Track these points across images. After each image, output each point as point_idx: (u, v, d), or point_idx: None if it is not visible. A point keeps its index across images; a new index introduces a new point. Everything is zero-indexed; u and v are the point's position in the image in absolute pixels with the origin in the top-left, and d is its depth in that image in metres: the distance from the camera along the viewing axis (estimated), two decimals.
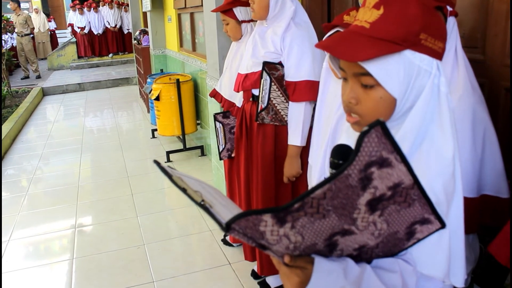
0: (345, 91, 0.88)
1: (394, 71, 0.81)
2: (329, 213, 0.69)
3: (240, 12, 2.41)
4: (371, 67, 0.80)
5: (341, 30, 1.60)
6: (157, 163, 0.76)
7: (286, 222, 0.67)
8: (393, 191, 0.70)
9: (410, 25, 0.81)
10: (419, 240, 0.80)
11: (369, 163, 0.66)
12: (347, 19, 1.61)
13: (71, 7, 12.87)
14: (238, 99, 2.48)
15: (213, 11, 2.60)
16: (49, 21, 15.66)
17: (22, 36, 10.81)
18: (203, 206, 0.66)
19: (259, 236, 0.67)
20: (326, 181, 0.66)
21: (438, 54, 0.84)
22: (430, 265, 0.83)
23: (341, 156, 0.85)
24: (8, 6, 10.94)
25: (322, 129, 1.72)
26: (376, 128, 0.65)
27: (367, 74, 0.82)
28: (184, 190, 0.69)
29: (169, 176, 0.71)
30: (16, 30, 10.86)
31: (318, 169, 1.65)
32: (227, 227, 0.64)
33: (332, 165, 0.86)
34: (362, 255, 0.79)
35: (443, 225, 0.78)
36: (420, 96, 0.83)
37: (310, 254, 0.75)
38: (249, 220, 0.64)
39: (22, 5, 11.29)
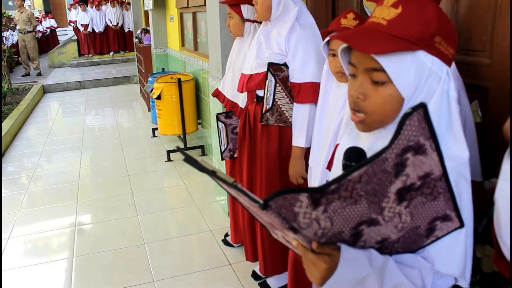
0: (353, 87, 0.88)
1: (407, 69, 0.82)
2: (361, 199, 0.70)
3: (247, 10, 2.41)
4: (385, 62, 0.81)
5: None
6: (179, 149, 0.75)
7: (320, 205, 0.67)
8: (423, 181, 0.72)
9: (426, 26, 0.82)
10: (437, 239, 0.82)
11: (407, 147, 0.67)
12: (345, 22, 1.60)
13: (71, 5, 12.86)
14: (241, 99, 2.47)
15: (221, 2, 2.60)
16: (48, 18, 15.65)
17: (24, 33, 10.80)
18: (236, 187, 0.65)
19: (292, 218, 0.68)
20: (364, 163, 0.66)
21: (448, 60, 0.86)
22: (447, 263, 0.84)
23: (353, 158, 0.85)
24: (10, 3, 10.92)
25: (323, 131, 1.71)
26: (419, 111, 0.66)
27: (380, 70, 0.83)
28: (213, 173, 0.68)
29: (194, 161, 0.68)
30: (18, 27, 10.84)
31: (320, 171, 1.65)
32: (265, 205, 0.63)
33: (345, 167, 0.86)
34: (383, 249, 0.80)
35: (462, 224, 0.80)
36: (431, 101, 0.84)
37: (335, 243, 0.76)
38: (286, 199, 0.64)
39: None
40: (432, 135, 0.68)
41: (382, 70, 0.82)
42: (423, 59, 0.82)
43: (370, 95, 0.85)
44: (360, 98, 0.86)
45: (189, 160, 0.69)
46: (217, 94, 2.74)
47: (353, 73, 0.89)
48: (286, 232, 0.73)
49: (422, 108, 0.66)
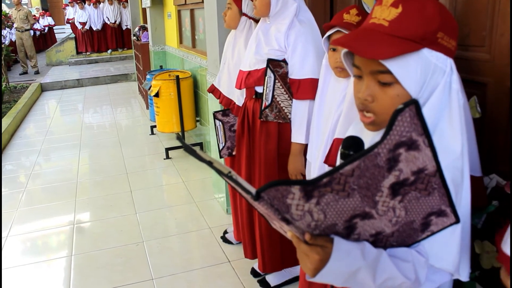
0: (360, 89, 0.88)
1: (413, 69, 0.82)
2: (354, 193, 0.70)
3: (247, 4, 2.41)
4: (392, 65, 0.81)
5: (342, 30, 1.58)
6: (179, 139, 0.78)
7: (312, 198, 0.68)
8: (416, 176, 0.72)
9: (428, 24, 0.82)
10: (433, 233, 0.82)
11: (399, 143, 0.68)
12: (347, 18, 1.59)
13: (65, 4, 12.83)
14: (236, 96, 2.47)
15: None
16: (46, 16, 15.61)
17: (22, 31, 10.78)
18: (231, 177, 0.65)
19: (285, 209, 0.68)
20: (356, 157, 0.67)
21: (451, 52, 0.87)
22: (442, 258, 0.84)
23: (352, 147, 0.86)
24: (7, 1, 10.90)
25: (321, 126, 1.70)
26: (411, 107, 0.66)
27: (386, 72, 0.83)
28: (210, 163, 0.69)
29: (193, 151, 0.71)
30: (15, 25, 10.82)
31: (318, 165, 1.65)
32: (257, 196, 0.64)
33: (343, 156, 0.87)
34: (377, 243, 0.80)
35: (457, 220, 0.80)
36: (434, 93, 0.84)
37: (329, 235, 0.76)
38: (278, 190, 0.65)
39: None
40: (425, 131, 0.68)
41: (388, 72, 0.82)
42: (428, 56, 0.83)
43: (378, 96, 0.86)
44: (368, 100, 0.87)
45: (188, 149, 0.71)
46: (213, 90, 2.74)
47: (358, 75, 0.89)
48: (281, 223, 0.73)
49: (413, 104, 0.67)
